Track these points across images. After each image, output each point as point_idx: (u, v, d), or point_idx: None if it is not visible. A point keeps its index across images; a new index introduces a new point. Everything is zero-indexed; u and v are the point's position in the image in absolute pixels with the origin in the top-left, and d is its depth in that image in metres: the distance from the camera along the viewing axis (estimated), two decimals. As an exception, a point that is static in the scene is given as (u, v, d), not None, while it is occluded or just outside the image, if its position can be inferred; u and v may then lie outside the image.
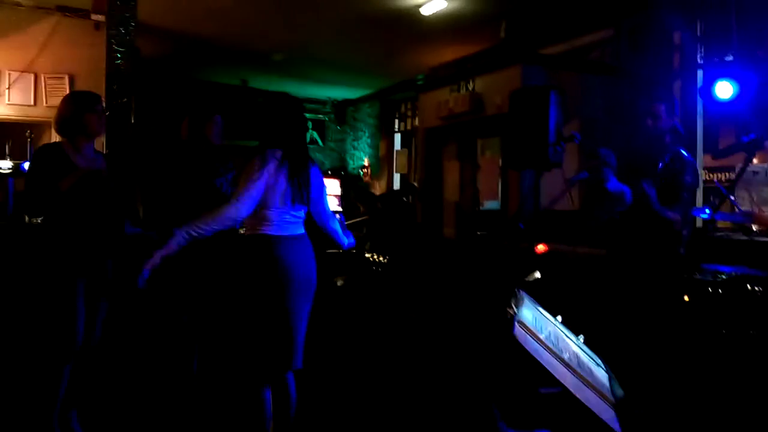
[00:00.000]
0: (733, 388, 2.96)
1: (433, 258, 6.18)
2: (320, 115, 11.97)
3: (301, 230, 2.78)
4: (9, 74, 6.55)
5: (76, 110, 2.93)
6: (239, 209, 2.55)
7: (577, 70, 6.15)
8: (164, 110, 8.19)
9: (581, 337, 2.44)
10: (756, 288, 3.09)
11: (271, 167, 2.61)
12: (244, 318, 2.65)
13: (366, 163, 11.37)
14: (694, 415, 2.85)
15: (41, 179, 2.81)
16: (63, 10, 6.63)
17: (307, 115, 11.66)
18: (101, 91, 5.43)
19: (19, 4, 6.50)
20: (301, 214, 2.79)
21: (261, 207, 2.64)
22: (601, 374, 2.45)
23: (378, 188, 11.13)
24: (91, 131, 2.97)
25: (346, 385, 3.81)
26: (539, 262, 3.37)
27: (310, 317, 2.75)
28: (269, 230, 2.66)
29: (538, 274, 2.05)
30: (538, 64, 5.95)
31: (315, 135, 11.86)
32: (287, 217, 2.70)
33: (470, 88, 6.65)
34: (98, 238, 2.95)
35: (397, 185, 11.14)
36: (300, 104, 2.89)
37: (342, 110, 12.24)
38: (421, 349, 4.38)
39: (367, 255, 6.35)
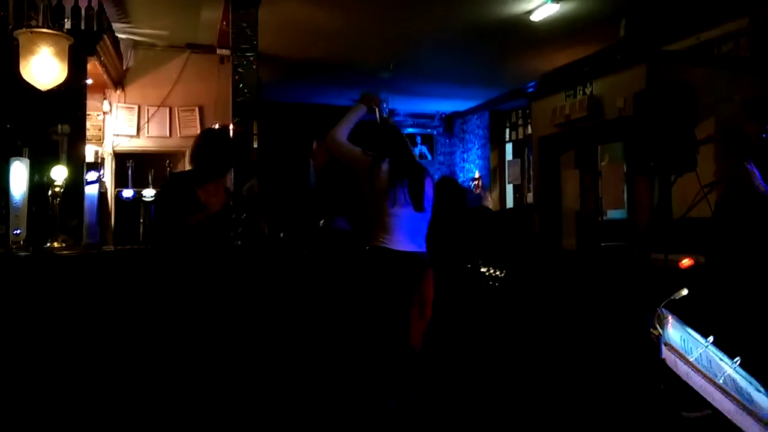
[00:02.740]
0: None
1: (554, 270, 5.93)
2: (429, 129, 12.02)
3: (418, 247, 2.85)
4: (147, 109, 7.17)
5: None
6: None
7: (708, 66, 5.69)
8: (283, 133, 8.61)
9: (737, 360, 2.21)
10: None
11: (384, 166, 2.86)
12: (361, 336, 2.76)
13: (476, 175, 11.25)
14: None
15: (168, 213, 3.03)
16: (192, 47, 7.20)
17: (416, 130, 11.83)
18: (227, 118, 5.81)
19: (154, 45, 7.14)
20: (421, 225, 2.83)
21: (379, 213, 2.80)
22: (762, 400, 2.21)
23: (491, 200, 10.95)
24: None
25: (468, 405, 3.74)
26: (682, 277, 3.11)
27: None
28: (386, 243, 2.74)
29: (685, 292, 1.88)
30: (664, 61, 5.56)
31: (424, 149, 11.92)
32: (404, 228, 2.77)
33: (588, 92, 6.36)
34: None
35: (510, 195, 10.90)
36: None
37: (450, 123, 12.22)
38: (547, 368, 4.21)
39: (482, 269, 6.21)
